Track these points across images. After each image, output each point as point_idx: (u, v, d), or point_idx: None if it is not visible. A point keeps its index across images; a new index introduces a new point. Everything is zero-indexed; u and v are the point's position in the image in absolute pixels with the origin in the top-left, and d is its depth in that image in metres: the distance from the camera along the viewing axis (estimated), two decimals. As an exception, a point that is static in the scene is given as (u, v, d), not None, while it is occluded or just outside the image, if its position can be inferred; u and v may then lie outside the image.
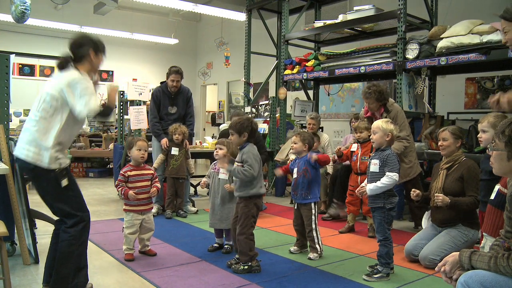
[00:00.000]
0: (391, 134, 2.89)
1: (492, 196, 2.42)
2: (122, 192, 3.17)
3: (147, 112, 5.25)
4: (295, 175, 3.39)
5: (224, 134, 4.97)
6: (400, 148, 3.98)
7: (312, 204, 3.32)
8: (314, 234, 3.29)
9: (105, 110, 2.46)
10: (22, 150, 2.34)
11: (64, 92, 2.32)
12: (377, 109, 4.06)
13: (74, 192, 2.45)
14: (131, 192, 3.14)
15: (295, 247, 3.48)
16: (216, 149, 3.40)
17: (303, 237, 3.45)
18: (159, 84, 5.08)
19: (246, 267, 2.90)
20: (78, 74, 2.38)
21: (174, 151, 4.73)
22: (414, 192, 3.16)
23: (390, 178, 2.80)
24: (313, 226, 3.30)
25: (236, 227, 3.02)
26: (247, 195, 2.97)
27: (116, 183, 3.26)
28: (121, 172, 3.27)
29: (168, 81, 4.88)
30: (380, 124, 2.92)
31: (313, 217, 3.31)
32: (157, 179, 3.38)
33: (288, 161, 4.54)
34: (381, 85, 4.06)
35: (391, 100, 4.17)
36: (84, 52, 2.46)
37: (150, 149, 5.09)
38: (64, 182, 2.36)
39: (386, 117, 3.96)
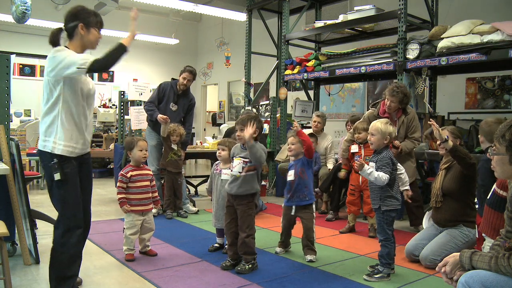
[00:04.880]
0: (389, 137, 2.85)
1: (488, 196, 2.43)
2: (120, 202, 3.19)
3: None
4: (291, 178, 3.28)
5: (229, 133, 4.97)
6: (411, 147, 4.07)
7: (313, 205, 3.31)
8: (314, 237, 3.27)
9: (114, 52, 2.25)
10: (40, 142, 2.36)
11: (48, 74, 2.28)
12: (395, 110, 4.08)
13: (66, 194, 2.33)
14: (125, 206, 3.16)
15: (280, 248, 3.44)
16: (218, 149, 3.40)
17: (289, 237, 3.45)
18: (170, 80, 5.07)
19: (250, 265, 2.91)
20: (53, 50, 2.29)
21: (174, 146, 4.72)
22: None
23: (380, 177, 2.75)
24: (314, 228, 3.28)
25: (232, 231, 3.00)
26: (252, 191, 2.95)
27: (117, 185, 3.24)
28: (121, 172, 3.26)
29: (180, 78, 4.90)
30: (379, 126, 2.86)
31: (313, 220, 3.29)
32: (154, 185, 3.39)
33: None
34: (407, 89, 4.14)
35: None
36: (74, 27, 2.33)
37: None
38: (57, 176, 2.27)
39: (403, 120, 4.00)
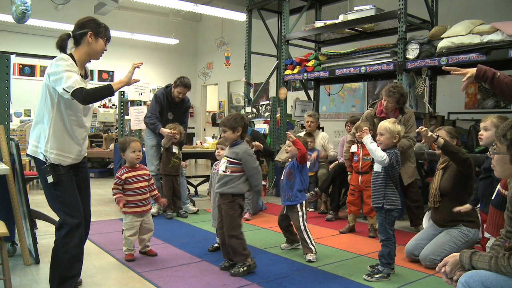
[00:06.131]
0: (398, 136, 2.86)
1: (493, 197, 2.43)
2: (117, 200, 3.13)
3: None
4: (281, 178, 3.43)
5: None
6: (406, 145, 4.04)
7: (298, 206, 3.30)
8: (305, 235, 3.25)
9: (100, 90, 2.29)
10: (30, 147, 2.38)
11: (48, 77, 2.28)
12: (392, 110, 4.08)
13: (63, 194, 2.35)
14: (121, 205, 3.09)
15: (286, 244, 3.55)
16: (217, 149, 3.42)
17: (291, 235, 3.50)
18: (164, 86, 4.99)
19: (245, 268, 2.88)
20: (58, 56, 2.31)
21: (175, 149, 4.72)
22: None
23: (378, 151, 2.80)
24: (302, 227, 3.26)
25: (223, 231, 2.98)
26: (236, 192, 2.93)
27: (112, 187, 3.19)
28: (116, 175, 3.21)
29: (175, 91, 4.81)
30: (387, 125, 2.86)
31: (300, 218, 3.27)
32: (153, 183, 3.37)
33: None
34: (404, 89, 4.13)
35: None
36: (82, 34, 2.38)
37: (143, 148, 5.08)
38: (50, 179, 2.30)
39: (401, 119, 4.00)
